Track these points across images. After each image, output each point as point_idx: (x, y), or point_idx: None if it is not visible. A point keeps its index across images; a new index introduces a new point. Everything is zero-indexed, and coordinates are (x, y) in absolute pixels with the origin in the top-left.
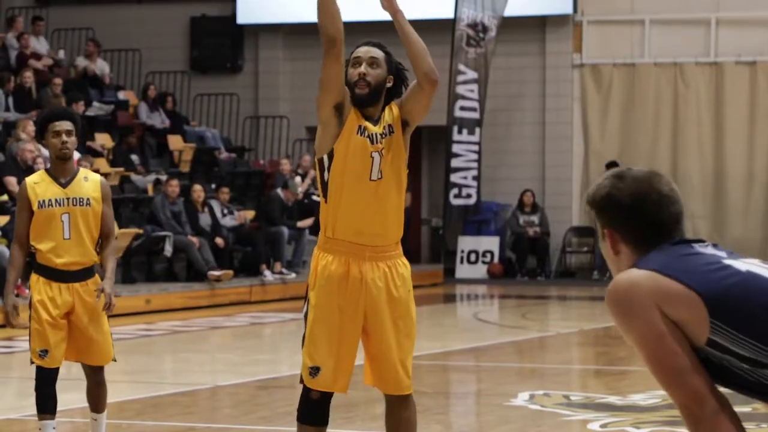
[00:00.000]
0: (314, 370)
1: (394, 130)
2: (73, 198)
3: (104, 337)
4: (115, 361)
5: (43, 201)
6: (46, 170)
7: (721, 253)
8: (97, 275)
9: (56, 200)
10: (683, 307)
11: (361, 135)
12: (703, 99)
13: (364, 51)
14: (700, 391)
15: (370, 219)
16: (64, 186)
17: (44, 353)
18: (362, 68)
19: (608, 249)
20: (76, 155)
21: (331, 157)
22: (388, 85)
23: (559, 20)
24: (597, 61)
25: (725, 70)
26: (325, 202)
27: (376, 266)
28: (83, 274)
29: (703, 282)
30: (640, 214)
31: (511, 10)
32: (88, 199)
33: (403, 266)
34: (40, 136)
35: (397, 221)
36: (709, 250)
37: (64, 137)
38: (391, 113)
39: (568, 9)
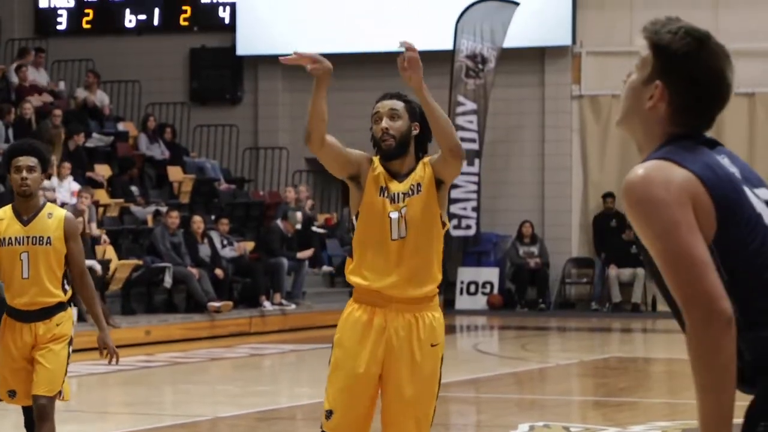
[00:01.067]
0: (328, 413)
1: (422, 189)
2: (33, 237)
3: (55, 367)
4: (63, 399)
5: (4, 239)
6: (12, 206)
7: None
8: (67, 311)
9: (16, 238)
10: (700, 210)
11: (381, 196)
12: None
13: (383, 105)
14: (718, 290)
15: (394, 278)
16: (25, 223)
17: (12, 394)
18: (384, 123)
19: (644, 99)
20: (76, 187)
21: (356, 218)
22: (415, 132)
23: (558, 52)
24: (596, 93)
25: None
26: (351, 260)
27: (401, 316)
28: (43, 313)
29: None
30: (710, 88)
31: (510, 41)
32: (48, 237)
33: (433, 318)
34: (6, 171)
35: (426, 276)
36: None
37: (25, 173)
38: (423, 171)
39: (566, 40)
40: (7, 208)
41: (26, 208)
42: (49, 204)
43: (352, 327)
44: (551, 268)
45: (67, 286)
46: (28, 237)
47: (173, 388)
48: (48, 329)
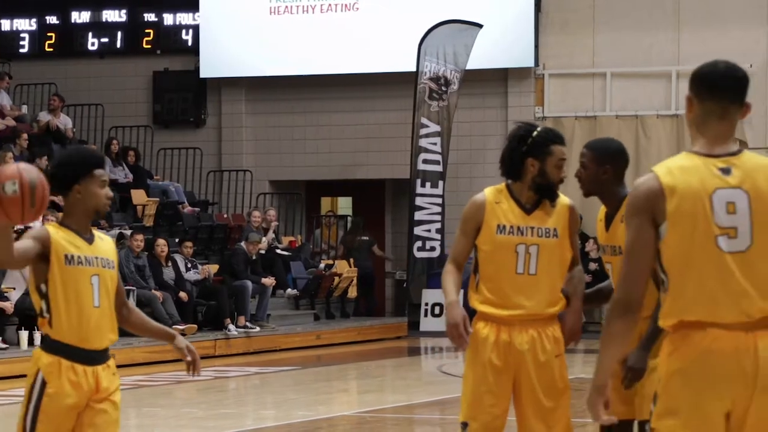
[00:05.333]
0: (463, 426)
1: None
2: (101, 258)
3: None
4: None
5: (72, 257)
6: (62, 224)
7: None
8: None
9: (86, 258)
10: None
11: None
12: (664, 151)
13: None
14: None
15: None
16: (90, 242)
17: None
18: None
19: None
20: None
21: None
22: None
23: (521, 73)
24: (559, 114)
25: (686, 123)
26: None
27: (525, 332)
28: (105, 355)
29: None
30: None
31: (473, 63)
32: (112, 261)
33: (554, 331)
34: (73, 181)
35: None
36: None
37: (107, 189)
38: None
39: (529, 62)
40: (54, 225)
41: (87, 228)
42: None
43: (482, 343)
44: None
45: None
46: (96, 258)
47: (137, 411)
48: (108, 378)
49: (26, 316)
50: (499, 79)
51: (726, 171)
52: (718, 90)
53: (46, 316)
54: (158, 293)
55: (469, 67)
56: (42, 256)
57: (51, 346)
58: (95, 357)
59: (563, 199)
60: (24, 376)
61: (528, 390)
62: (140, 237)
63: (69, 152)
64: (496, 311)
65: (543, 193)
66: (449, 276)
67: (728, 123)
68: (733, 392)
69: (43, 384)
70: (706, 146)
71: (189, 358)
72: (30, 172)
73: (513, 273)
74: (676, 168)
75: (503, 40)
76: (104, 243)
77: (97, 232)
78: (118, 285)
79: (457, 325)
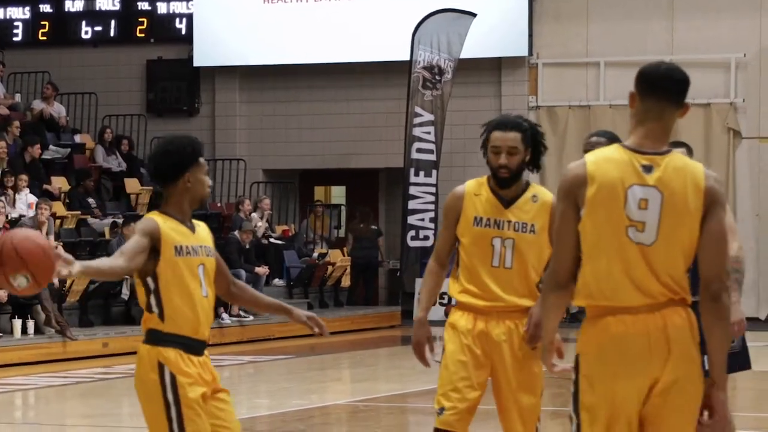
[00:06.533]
0: (439, 411)
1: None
2: (204, 246)
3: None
4: None
5: (181, 247)
6: (164, 212)
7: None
8: None
9: (193, 248)
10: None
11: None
12: None
13: (504, 139)
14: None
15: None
16: (193, 230)
17: None
18: (502, 159)
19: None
20: (33, 199)
21: None
22: (527, 158)
23: (515, 62)
24: (552, 104)
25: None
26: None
27: (502, 323)
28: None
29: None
30: None
31: (467, 52)
32: (212, 249)
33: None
34: (183, 170)
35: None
36: None
37: (208, 179)
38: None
39: (523, 51)
40: (158, 215)
41: (189, 216)
42: None
43: (455, 333)
44: None
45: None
46: (201, 247)
47: (131, 400)
48: (211, 365)
49: (20, 305)
50: (493, 68)
51: (648, 169)
52: (658, 90)
53: (155, 311)
54: None
55: (462, 56)
56: (151, 250)
57: (165, 339)
58: (204, 346)
59: (546, 195)
60: (17, 364)
61: (505, 382)
62: (134, 226)
63: (173, 141)
64: (474, 301)
65: (496, 183)
66: (428, 279)
67: (665, 122)
68: (648, 370)
69: (173, 377)
70: (637, 142)
71: (316, 330)
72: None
73: (489, 265)
74: (602, 158)
75: (497, 29)
76: (202, 230)
77: (194, 221)
78: (222, 266)
79: (420, 345)
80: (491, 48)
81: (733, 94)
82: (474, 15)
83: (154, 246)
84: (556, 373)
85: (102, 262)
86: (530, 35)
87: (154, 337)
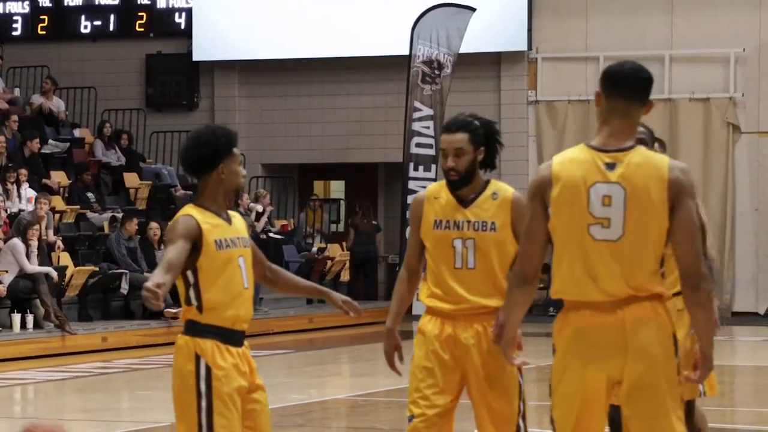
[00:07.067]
0: (409, 419)
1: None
2: (242, 238)
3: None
4: None
5: (221, 241)
6: (198, 204)
7: None
8: None
9: (231, 240)
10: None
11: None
12: (657, 134)
13: (449, 141)
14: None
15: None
16: (229, 221)
17: None
18: (449, 162)
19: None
20: (32, 193)
21: None
22: (480, 157)
23: (514, 57)
24: (552, 98)
25: (679, 107)
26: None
27: (469, 326)
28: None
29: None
30: None
31: (466, 47)
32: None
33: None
34: (218, 161)
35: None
36: None
37: (241, 168)
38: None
39: (522, 46)
40: (194, 208)
41: (225, 207)
42: None
43: (425, 337)
44: None
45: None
46: (238, 239)
47: (130, 394)
48: (250, 356)
49: (19, 299)
50: (492, 62)
51: (611, 166)
52: (623, 89)
53: (194, 303)
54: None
55: (462, 50)
56: (192, 246)
57: (202, 330)
58: (243, 337)
59: (506, 191)
60: (16, 359)
61: (476, 387)
62: (135, 221)
63: (207, 132)
64: (440, 305)
65: (448, 185)
66: (398, 288)
67: (630, 120)
68: (609, 363)
69: (208, 369)
70: (601, 141)
71: (352, 314)
72: None
73: (452, 267)
74: (567, 159)
75: (496, 24)
76: (238, 221)
77: (229, 211)
78: (258, 252)
79: (388, 356)
80: (490, 43)
81: (732, 89)
82: (473, 9)
83: (196, 243)
84: (515, 365)
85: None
86: (529, 30)
87: (192, 329)
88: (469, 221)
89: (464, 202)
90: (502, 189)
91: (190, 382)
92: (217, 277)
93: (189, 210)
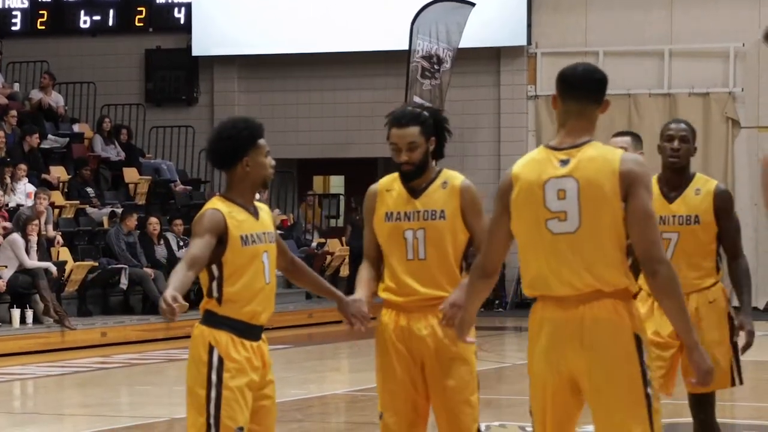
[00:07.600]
0: (380, 416)
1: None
2: (269, 233)
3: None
4: None
5: (247, 237)
6: (226, 197)
7: None
8: None
9: (258, 235)
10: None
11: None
12: (657, 130)
13: (401, 136)
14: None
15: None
16: (256, 216)
17: None
18: (403, 156)
19: None
20: (32, 188)
21: None
22: (431, 147)
23: (513, 52)
24: (551, 93)
25: (679, 102)
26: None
27: (423, 318)
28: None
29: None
30: None
31: (466, 42)
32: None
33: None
34: (241, 154)
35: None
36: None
37: (270, 159)
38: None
39: (522, 41)
40: (221, 201)
41: (252, 200)
42: None
43: (383, 331)
44: (507, 268)
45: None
46: (264, 234)
47: (129, 389)
48: (267, 350)
49: (19, 295)
50: (492, 57)
51: (565, 162)
52: (577, 90)
53: (215, 295)
54: (150, 271)
55: (461, 45)
56: (217, 241)
57: (220, 321)
58: (260, 331)
59: (455, 179)
60: (16, 354)
61: (432, 377)
62: (134, 217)
63: (229, 126)
64: (394, 298)
65: (401, 177)
66: (360, 273)
67: (586, 120)
68: (567, 359)
69: (221, 360)
70: (558, 140)
71: (357, 326)
72: None
73: (404, 259)
74: (527, 161)
75: (496, 19)
76: (265, 214)
77: (256, 203)
78: (282, 245)
79: (352, 314)
80: (490, 37)
81: (731, 84)
82: (473, 4)
83: (221, 238)
84: (466, 342)
85: (181, 282)
86: (529, 25)
87: (210, 319)
88: (418, 211)
89: (415, 193)
90: (451, 177)
91: (202, 371)
92: (242, 273)
93: (216, 203)
